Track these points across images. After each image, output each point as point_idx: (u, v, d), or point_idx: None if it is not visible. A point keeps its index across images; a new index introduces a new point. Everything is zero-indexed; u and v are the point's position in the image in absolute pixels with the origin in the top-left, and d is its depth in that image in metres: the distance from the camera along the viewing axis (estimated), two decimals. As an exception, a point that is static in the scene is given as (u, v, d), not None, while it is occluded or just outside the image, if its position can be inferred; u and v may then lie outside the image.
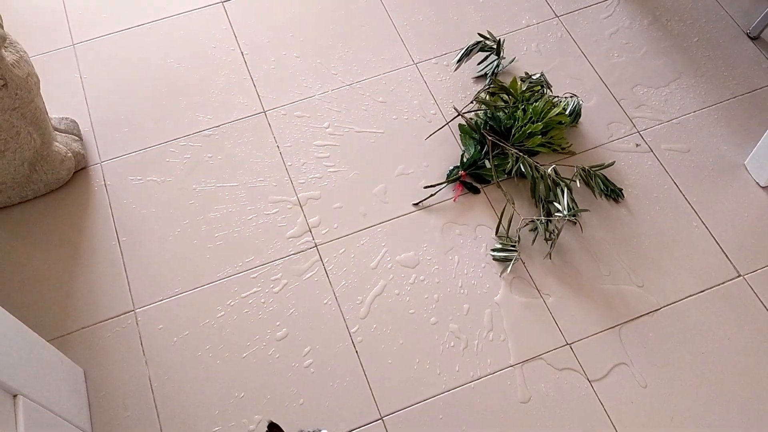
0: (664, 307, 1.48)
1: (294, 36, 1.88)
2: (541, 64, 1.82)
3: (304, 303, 1.49)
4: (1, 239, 1.57)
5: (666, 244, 1.55)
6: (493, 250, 1.54)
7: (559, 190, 1.55)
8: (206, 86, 1.79)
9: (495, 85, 1.72)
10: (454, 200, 1.62)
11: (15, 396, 1.08)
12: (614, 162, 1.66)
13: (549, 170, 1.58)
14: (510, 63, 1.81)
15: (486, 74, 1.79)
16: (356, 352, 1.44)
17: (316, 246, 1.56)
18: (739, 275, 1.51)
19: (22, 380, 1.10)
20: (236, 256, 1.55)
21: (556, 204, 1.53)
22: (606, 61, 1.82)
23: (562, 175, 1.59)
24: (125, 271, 1.54)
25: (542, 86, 1.73)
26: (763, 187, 1.62)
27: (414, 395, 1.39)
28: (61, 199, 1.63)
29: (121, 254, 1.56)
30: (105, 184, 1.65)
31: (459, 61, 1.81)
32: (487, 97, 1.72)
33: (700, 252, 1.54)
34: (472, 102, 1.72)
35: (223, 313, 1.48)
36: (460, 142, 1.70)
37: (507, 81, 1.74)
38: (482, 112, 1.69)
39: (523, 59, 1.83)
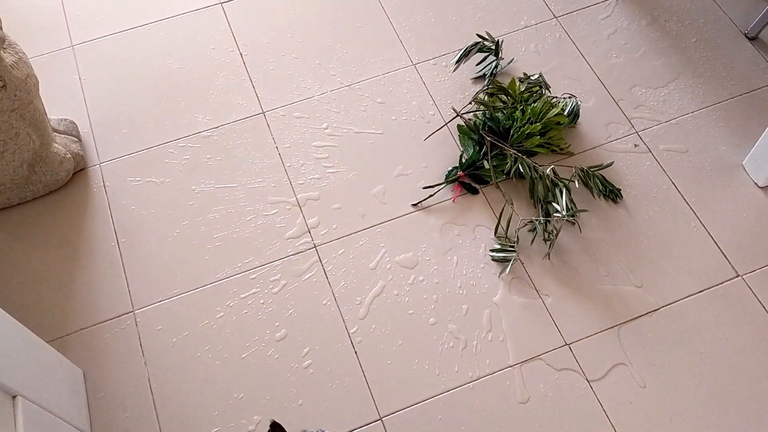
0: (663, 307, 1.48)
1: (293, 37, 1.88)
2: (539, 65, 1.82)
3: (303, 304, 1.49)
4: (0, 240, 1.57)
5: (664, 244, 1.55)
6: (492, 250, 1.54)
7: (557, 191, 1.55)
8: (205, 87, 1.79)
9: (493, 85, 1.72)
10: (453, 201, 1.62)
11: (14, 397, 1.08)
12: (613, 162, 1.66)
13: (548, 171, 1.58)
14: (508, 64, 1.81)
15: (484, 75, 1.79)
16: (355, 352, 1.44)
17: (315, 247, 1.56)
18: (738, 275, 1.52)
19: (21, 381, 1.10)
20: (235, 257, 1.55)
21: (554, 204, 1.53)
22: (604, 62, 1.82)
23: (560, 176, 1.59)
24: (124, 272, 1.54)
25: (541, 87, 1.73)
26: (761, 188, 1.62)
27: (413, 396, 1.39)
28: (60, 200, 1.63)
29: (120, 255, 1.56)
30: (104, 185, 1.65)
31: (458, 61, 1.81)
32: (486, 97, 1.72)
33: (699, 252, 1.54)
34: (470, 103, 1.73)
35: (222, 313, 1.48)
36: (458, 142, 1.70)
37: (505, 82, 1.75)
38: (481, 112, 1.69)
39: (522, 60, 1.83)
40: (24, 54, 1.46)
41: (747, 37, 1.85)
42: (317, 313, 1.48)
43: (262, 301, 1.49)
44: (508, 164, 1.61)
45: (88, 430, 1.34)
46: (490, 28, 1.87)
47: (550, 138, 1.65)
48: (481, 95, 1.73)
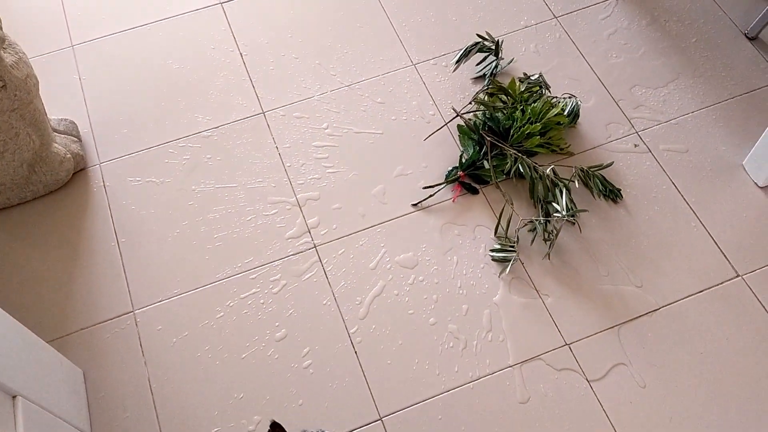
0: (663, 307, 1.48)
1: (293, 37, 1.88)
2: (539, 65, 1.82)
3: (303, 304, 1.49)
4: (0, 240, 1.57)
5: (664, 244, 1.55)
6: (492, 250, 1.54)
7: (557, 191, 1.55)
8: (205, 87, 1.79)
9: (493, 85, 1.72)
10: (453, 201, 1.62)
11: (14, 397, 1.08)
12: (613, 162, 1.66)
13: (548, 171, 1.58)
14: (508, 64, 1.81)
15: (484, 75, 1.79)
16: (355, 352, 1.44)
17: (315, 247, 1.56)
18: (738, 275, 1.52)
19: (21, 381, 1.10)
20: (235, 256, 1.55)
21: (554, 204, 1.53)
22: (604, 62, 1.82)
23: (560, 176, 1.59)
24: (124, 272, 1.54)
25: (541, 87, 1.73)
26: (761, 187, 1.62)
27: (413, 396, 1.39)
28: (60, 200, 1.63)
29: (120, 255, 1.56)
30: (104, 185, 1.65)
31: (458, 61, 1.81)
32: (486, 97, 1.72)
33: (699, 252, 1.54)
34: (470, 103, 1.73)
35: (222, 313, 1.48)
36: (458, 142, 1.70)
37: (505, 82, 1.75)
38: (481, 112, 1.69)
39: (522, 60, 1.83)
40: (24, 54, 1.46)
41: (747, 37, 1.85)
42: (317, 313, 1.48)
43: (262, 301, 1.49)
44: (508, 164, 1.61)
45: (88, 430, 1.34)
46: (490, 28, 1.87)
47: (550, 138, 1.65)
48: (481, 95, 1.73)
